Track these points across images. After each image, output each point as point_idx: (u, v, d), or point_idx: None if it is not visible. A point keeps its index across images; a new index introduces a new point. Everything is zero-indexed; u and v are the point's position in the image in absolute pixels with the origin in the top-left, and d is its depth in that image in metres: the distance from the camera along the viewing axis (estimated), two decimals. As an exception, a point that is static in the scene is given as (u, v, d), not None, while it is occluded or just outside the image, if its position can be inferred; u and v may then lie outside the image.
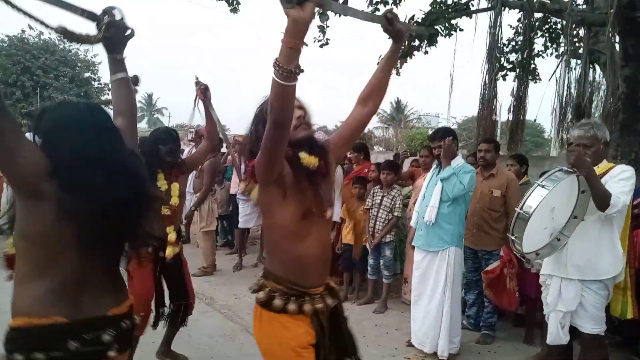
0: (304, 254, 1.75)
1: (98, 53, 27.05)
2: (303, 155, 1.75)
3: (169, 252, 3.18)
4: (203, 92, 3.21)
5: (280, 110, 1.47)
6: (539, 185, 2.57)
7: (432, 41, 7.86)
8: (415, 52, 8.08)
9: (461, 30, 8.18)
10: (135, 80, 2.94)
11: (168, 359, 3.48)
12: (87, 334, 1.43)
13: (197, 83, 3.22)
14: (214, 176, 6.21)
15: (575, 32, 7.87)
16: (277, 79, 1.40)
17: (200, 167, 5.85)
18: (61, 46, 25.54)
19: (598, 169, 2.72)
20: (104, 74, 29.96)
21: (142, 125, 45.38)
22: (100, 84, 27.67)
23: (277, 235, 1.79)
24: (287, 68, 1.37)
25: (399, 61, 8.21)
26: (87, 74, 27.24)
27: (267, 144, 1.57)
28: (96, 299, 1.48)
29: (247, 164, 1.81)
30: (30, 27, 25.00)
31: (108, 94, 27.12)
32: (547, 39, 9.16)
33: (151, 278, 3.13)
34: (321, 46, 8.41)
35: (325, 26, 8.22)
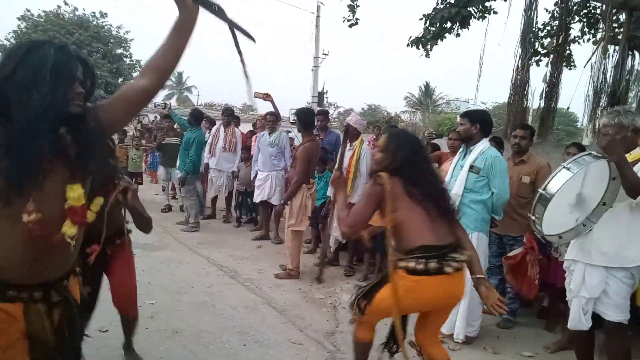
0: None
1: (130, 30, 27.40)
2: None
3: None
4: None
5: None
6: (564, 167, 2.54)
7: (464, 23, 7.70)
8: (447, 35, 7.94)
9: (495, 13, 7.95)
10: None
11: None
12: None
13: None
14: (309, 165, 5.13)
15: (615, 17, 7.59)
16: None
17: (294, 154, 5.52)
18: (94, 22, 25.90)
19: (630, 157, 2.65)
20: (136, 50, 30.36)
21: (172, 103, 46.07)
22: (132, 60, 27.99)
23: None
24: None
25: (429, 43, 8.10)
26: (119, 51, 27.58)
27: None
28: None
29: None
30: (66, 3, 25.43)
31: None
32: (585, 24, 8.86)
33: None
34: (350, 26, 8.37)
35: (355, 5, 8.18)
